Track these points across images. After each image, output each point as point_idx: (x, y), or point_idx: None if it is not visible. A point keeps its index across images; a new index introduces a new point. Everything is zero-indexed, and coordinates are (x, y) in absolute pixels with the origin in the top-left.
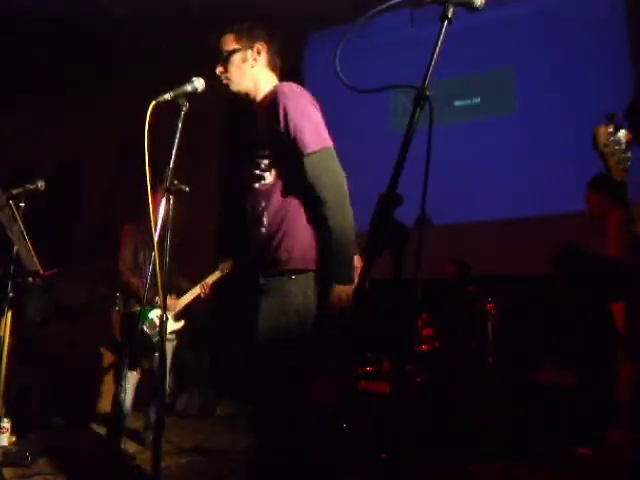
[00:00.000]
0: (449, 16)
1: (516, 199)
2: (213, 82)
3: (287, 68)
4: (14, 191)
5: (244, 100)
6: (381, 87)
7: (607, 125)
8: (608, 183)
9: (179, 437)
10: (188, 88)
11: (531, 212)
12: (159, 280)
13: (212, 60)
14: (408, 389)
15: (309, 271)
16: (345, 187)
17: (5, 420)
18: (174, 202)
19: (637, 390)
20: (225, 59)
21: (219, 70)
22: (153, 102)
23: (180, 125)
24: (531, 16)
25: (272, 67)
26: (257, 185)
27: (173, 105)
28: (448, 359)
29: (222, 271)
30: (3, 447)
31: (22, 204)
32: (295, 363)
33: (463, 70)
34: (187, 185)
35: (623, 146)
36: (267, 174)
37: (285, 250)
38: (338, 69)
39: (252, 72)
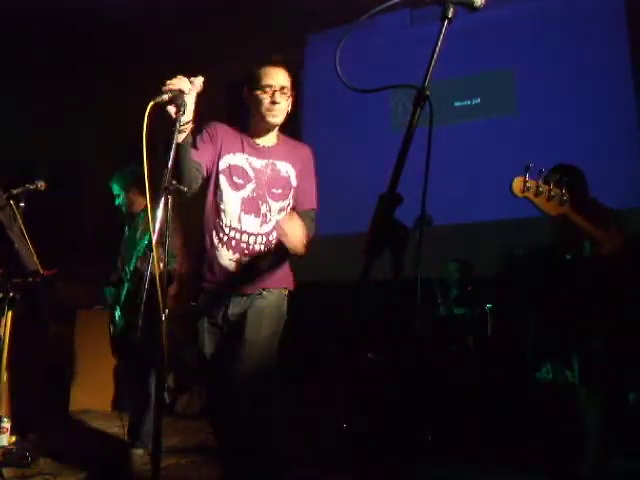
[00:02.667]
0: (449, 16)
1: (516, 199)
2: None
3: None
4: (14, 191)
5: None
6: (381, 87)
7: (523, 176)
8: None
9: (179, 437)
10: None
11: (531, 212)
12: (157, 281)
13: (212, 60)
14: (408, 389)
15: None
16: None
17: (5, 420)
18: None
19: None
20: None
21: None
22: (151, 102)
23: (178, 125)
24: (531, 16)
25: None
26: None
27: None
28: (448, 359)
29: None
30: (3, 447)
31: (22, 204)
32: None
33: (463, 70)
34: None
35: (542, 188)
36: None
37: None
38: (338, 69)
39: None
